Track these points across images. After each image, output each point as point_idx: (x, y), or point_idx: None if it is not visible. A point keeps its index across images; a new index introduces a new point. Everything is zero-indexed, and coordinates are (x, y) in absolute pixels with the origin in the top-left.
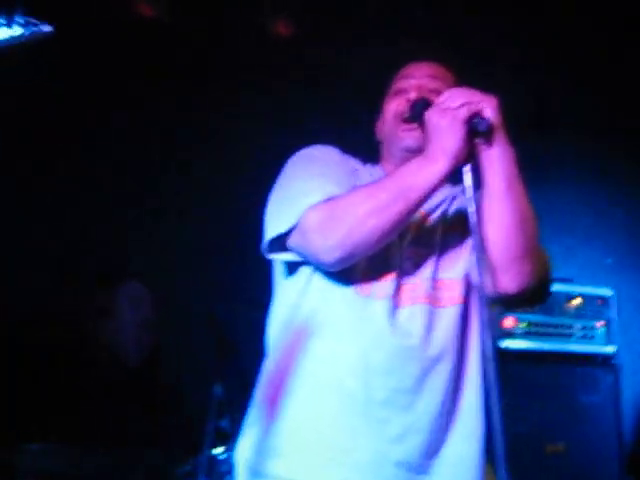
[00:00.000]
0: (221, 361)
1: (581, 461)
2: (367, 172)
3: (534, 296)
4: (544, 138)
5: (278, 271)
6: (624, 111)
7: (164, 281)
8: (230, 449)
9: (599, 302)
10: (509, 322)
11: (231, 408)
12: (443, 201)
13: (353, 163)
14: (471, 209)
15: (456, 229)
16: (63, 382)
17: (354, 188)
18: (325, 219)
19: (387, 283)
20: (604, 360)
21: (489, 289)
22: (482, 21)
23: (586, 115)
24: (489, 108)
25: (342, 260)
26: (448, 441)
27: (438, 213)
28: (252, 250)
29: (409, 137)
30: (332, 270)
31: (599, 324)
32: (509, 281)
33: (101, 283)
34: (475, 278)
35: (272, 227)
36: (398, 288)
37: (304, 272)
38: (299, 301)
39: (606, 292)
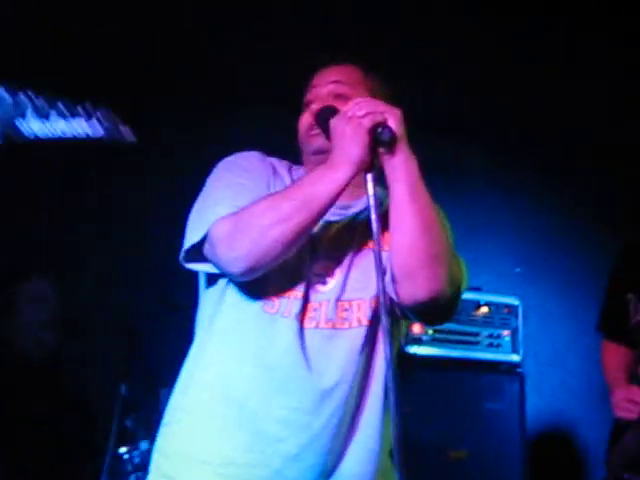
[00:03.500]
0: (127, 361)
1: (484, 467)
2: (289, 176)
3: (445, 304)
4: (457, 148)
5: (200, 280)
6: (536, 125)
7: (74, 278)
8: (134, 449)
9: (506, 311)
10: (416, 329)
11: (136, 408)
12: (362, 210)
13: (277, 167)
14: (373, 216)
15: (370, 243)
16: None
17: (259, 198)
18: (230, 230)
19: (294, 301)
20: (510, 368)
21: (398, 301)
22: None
23: (497, 127)
24: (393, 119)
25: (248, 271)
26: (345, 460)
27: (354, 224)
28: (166, 251)
29: (314, 141)
30: (242, 280)
31: (505, 333)
32: (417, 288)
33: (2, 281)
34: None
35: (188, 237)
36: (304, 307)
37: (220, 284)
38: (214, 313)
39: (513, 301)
